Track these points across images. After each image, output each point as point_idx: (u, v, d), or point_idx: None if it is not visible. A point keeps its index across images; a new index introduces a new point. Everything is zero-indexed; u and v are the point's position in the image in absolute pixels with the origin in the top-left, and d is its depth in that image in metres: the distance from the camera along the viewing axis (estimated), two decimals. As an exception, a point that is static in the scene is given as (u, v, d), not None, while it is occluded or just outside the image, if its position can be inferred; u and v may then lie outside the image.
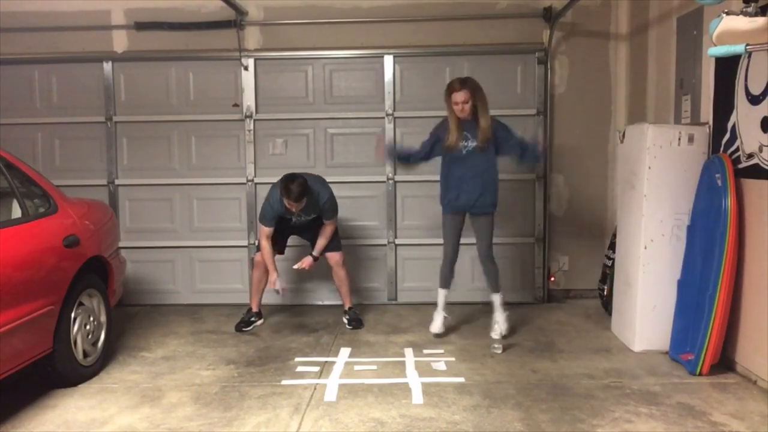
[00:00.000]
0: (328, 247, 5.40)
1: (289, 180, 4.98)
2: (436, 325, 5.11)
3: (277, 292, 5.23)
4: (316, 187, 5.16)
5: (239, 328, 5.34)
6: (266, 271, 5.41)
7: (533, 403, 3.81)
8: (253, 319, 5.40)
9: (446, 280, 5.16)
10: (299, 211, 5.10)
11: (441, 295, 5.16)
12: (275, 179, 6.09)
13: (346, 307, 5.56)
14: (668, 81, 5.28)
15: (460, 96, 4.84)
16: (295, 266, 5.40)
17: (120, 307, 5.62)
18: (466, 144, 4.94)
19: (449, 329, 5.30)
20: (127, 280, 5.77)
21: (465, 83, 4.88)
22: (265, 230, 5.23)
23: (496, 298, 5.08)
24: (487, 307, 5.53)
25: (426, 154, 5.11)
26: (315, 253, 5.37)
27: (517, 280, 6.19)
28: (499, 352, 4.70)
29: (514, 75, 6.22)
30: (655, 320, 4.65)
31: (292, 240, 5.60)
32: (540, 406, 3.77)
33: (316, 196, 5.14)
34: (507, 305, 5.17)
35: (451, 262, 5.15)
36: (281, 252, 5.54)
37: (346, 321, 5.48)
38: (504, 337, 4.99)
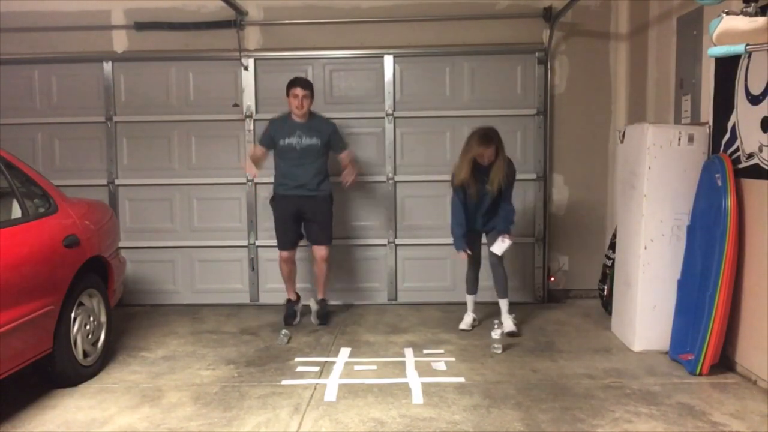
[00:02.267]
0: (317, 239, 5.48)
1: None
2: (465, 322, 5.35)
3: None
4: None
5: (288, 322, 5.48)
6: (293, 263, 5.58)
7: (533, 403, 3.81)
8: (294, 308, 5.57)
9: (471, 287, 5.38)
10: (303, 116, 5.26)
11: (469, 301, 5.41)
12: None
13: (319, 297, 5.63)
14: (668, 81, 5.28)
15: (488, 152, 4.91)
16: (346, 180, 5.44)
17: (120, 307, 5.62)
18: (482, 187, 5.07)
19: (449, 329, 5.35)
20: (127, 280, 5.76)
21: (491, 140, 4.91)
22: (259, 147, 5.46)
23: (504, 304, 5.23)
24: (487, 307, 5.54)
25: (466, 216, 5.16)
26: (342, 155, 5.44)
27: (517, 280, 6.19)
28: (499, 352, 4.70)
29: (514, 75, 6.22)
30: (655, 320, 4.65)
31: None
32: (540, 406, 3.77)
33: (322, 117, 5.38)
34: (495, 304, 5.22)
35: (474, 270, 5.35)
36: (292, 247, 5.56)
37: (314, 310, 5.55)
38: (511, 335, 5.05)
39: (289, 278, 5.61)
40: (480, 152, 4.89)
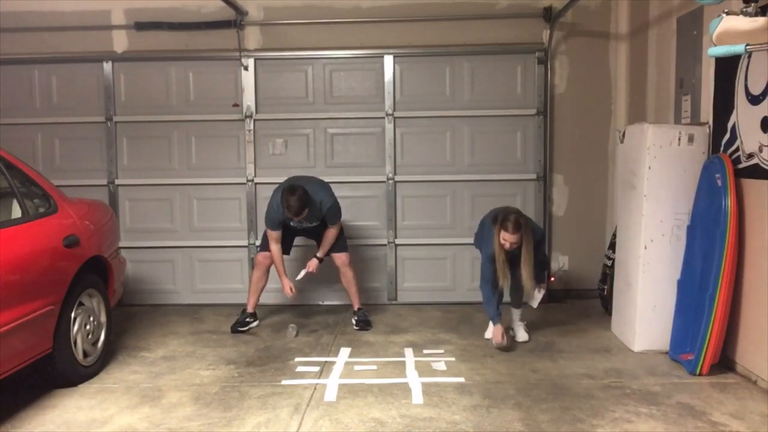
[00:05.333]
0: (335, 248, 5.41)
1: (288, 193, 4.94)
2: (490, 330, 5.04)
3: (291, 290, 5.27)
4: (318, 195, 5.13)
5: (235, 329, 5.32)
6: (267, 272, 5.41)
7: (533, 403, 3.81)
8: (248, 320, 5.37)
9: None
10: (302, 220, 5.11)
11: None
12: (275, 179, 6.11)
13: (355, 308, 5.53)
14: (668, 81, 5.28)
15: (512, 238, 4.62)
16: (299, 276, 5.39)
17: (120, 307, 5.62)
18: (512, 254, 4.84)
19: (449, 329, 5.36)
20: (127, 280, 5.77)
21: (519, 228, 4.63)
22: (273, 234, 5.20)
23: (516, 313, 5.16)
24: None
25: (497, 288, 4.93)
26: (319, 254, 5.39)
27: (517, 280, 6.20)
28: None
29: (514, 75, 6.22)
30: (655, 320, 4.65)
31: (297, 240, 5.60)
32: (540, 406, 3.77)
33: (318, 204, 5.12)
34: (508, 304, 5.18)
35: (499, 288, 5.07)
36: (287, 253, 5.47)
37: (354, 322, 5.45)
38: (524, 342, 5.01)
39: (256, 287, 5.39)
40: (504, 235, 4.64)
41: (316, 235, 5.43)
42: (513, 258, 4.87)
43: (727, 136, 4.37)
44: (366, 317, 5.50)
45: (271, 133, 6.30)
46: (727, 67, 4.31)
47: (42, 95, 6.34)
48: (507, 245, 4.67)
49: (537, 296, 5.08)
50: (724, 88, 4.38)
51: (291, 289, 5.28)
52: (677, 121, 5.10)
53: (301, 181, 5.18)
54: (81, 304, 4.25)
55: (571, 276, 6.38)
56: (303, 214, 4.99)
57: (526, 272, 4.76)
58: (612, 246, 5.67)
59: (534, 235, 4.83)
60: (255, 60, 6.24)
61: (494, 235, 4.72)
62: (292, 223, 5.19)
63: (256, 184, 6.29)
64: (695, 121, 4.81)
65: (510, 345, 4.89)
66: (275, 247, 5.22)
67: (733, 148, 4.30)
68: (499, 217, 4.71)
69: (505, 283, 4.86)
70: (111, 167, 6.34)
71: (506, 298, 5.20)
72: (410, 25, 6.20)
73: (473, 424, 3.54)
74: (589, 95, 6.26)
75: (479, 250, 5.01)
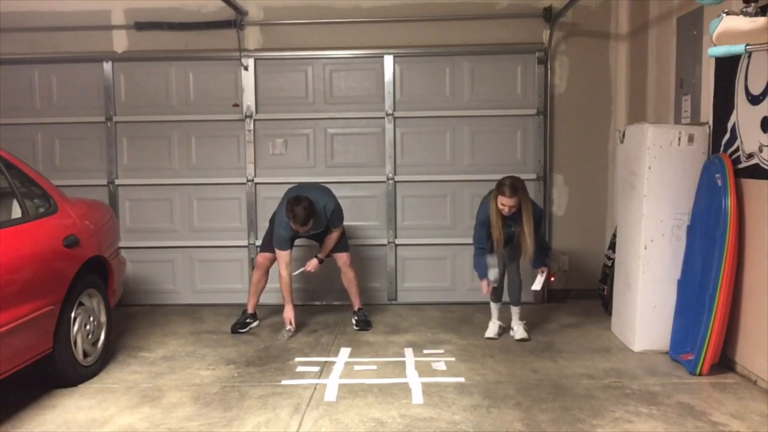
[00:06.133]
0: (337, 248, 5.42)
1: (294, 203, 4.97)
2: (491, 330, 5.15)
3: (290, 323, 5.22)
4: (322, 200, 5.17)
5: (235, 330, 5.33)
6: (267, 273, 5.42)
7: (533, 403, 3.82)
8: (248, 320, 5.38)
9: (496, 294, 5.17)
10: (308, 230, 5.14)
11: (494, 308, 5.21)
12: (275, 179, 6.12)
13: (356, 308, 5.54)
14: (668, 81, 5.28)
15: (510, 201, 4.73)
16: (297, 272, 5.43)
17: (120, 307, 5.61)
18: (508, 230, 4.95)
19: (449, 329, 5.36)
20: (127, 280, 5.77)
21: (516, 191, 4.73)
22: (284, 255, 5.19)
23: (516, 311, 5.16)
24: (487, 307, 5.53)
25: (487, 247, 4.98)
26: (321, 255, 5.40)
27: (517, 280, 6.19)
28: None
29: (514, 75, 6.22)
30: (655, 320, 4.65)
31: (299, 240, 5.59)
32: (540, 406, 3.77)
33: (323, 212, 5.15)
34: (507, 304, 5.19)
35: (499, 276, 5.12)
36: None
37: (354, 322, 5.46)
38: (523, 340, 5.02)
39: (256, 288, 5.42)
40: (501, 200, 4.73)
41: (318, 237, 5.45)
42: (511, 236, 4.95)
43: (727, 136, 4.37)
44: (366, 317, 5.50)
45: (271, 133, 6.30)
46: (727, 67, 4.31)
47: (42, 95, 6.34)
48: (506, 210, 4.76)
49: (539, 278, 5.11)
50: (724, 88, 4.38)
51: (291, 321, 5.21)
52: (677, 121, 5.10)
53: (303, 191, 5.20)
54: (81, 304, 4.25)
55: (571, 276, 6.38)
56: (309, 224, 5.03)
57: (527, 230, 4.81)
58: (612, 246, 5.68)
59: (533, 212, 4.88)
60: (255, 60, 6.25)
61: (491, 201, 4.83)
62: (299, 234, 5.22)
63: (256, 184, 6.29)
64: (695, 121, 4.81)
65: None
66: (285, 273, 5.19)
67: (733, 148, 4.30)
68: (497, 185, 4.84)
69: (498, 247, 4.90)
70: (111, 167, 6.34)
71: (505, 298, 5.22)
72: (410, 25, 6.20)
73: (473, 424, 3.54)
74: (589, 95, 6.26)
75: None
